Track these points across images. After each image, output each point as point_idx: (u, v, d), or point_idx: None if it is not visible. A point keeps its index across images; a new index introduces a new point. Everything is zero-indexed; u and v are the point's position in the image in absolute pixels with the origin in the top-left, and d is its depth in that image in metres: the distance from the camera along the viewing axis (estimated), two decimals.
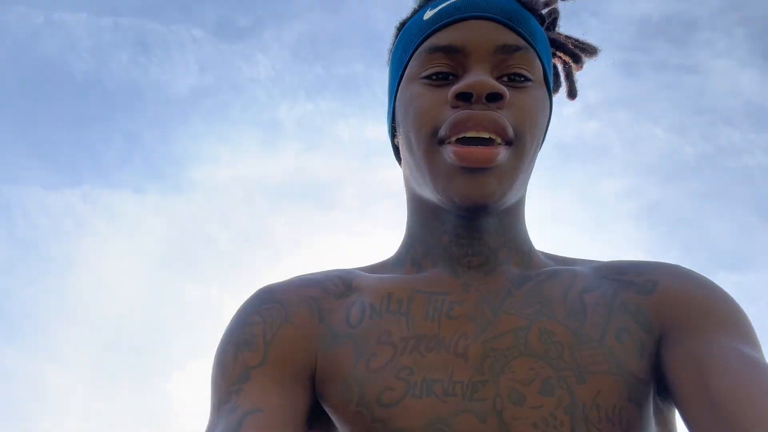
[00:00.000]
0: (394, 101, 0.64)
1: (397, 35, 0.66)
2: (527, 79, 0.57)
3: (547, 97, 0.61)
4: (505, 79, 0.57)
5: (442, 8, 0.59)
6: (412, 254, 0.64)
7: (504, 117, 0.54)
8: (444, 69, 0.57)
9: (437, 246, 0.61)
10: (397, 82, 0.63)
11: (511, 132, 0.54)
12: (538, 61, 0.59)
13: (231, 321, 0.61)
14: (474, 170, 0.54)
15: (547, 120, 0.62)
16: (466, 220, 0.59)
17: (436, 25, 0.58)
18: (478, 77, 0.54)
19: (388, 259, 0.68)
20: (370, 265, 0.68)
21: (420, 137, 0.57)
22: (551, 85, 0.63)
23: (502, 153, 0.54)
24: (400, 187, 0.69)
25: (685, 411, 0.49)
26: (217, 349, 0.59)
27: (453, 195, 0.55)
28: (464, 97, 0.54)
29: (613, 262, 0.62)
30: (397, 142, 0.65)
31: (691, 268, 0.59)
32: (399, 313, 0.57)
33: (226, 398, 0.54)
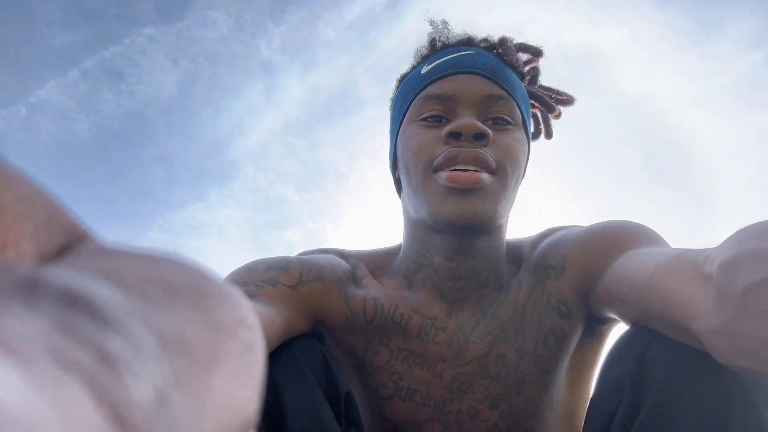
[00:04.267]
0: (395, 142, 0.74)
1: (397, 87, 0.78)
2: (508, 123, 0.68)
3: (526, 139, 0.71)
4: (490, 122, 0.67)
5: (437, 64, 0.70)
6: (405, 270, 0.73)
7: (488, 153, 0.64)
8: (438, 113, 0.68)
9: (428, 267, 0.70)
10: (397, 126, 0.73)
11: (493, 164, 0.64)
12: (517, 109, 0.70)
13: (264, 258, 0.69)
14: (463, 192, 0.63)
15: (526, 157, 0.72)
16: (457, 238, 0.67)
17: (432, 78, 0.70)
18: (467, 120, 0.64)
19: (383, 260, 0.77)
20: (369, 255, 0.78)
21: (417, 167, 0.66)
22: (530, 130, 0.73)
23: (486, 178, 0.64)
24: None
25: (620, 316, 0.62)
26: (244, 265, 0.67)
27: (446, 213, 0.64)
28: (455, 136, 0.64)
29: (543, 245, 0.73)
30: (398, 176, 0.75)
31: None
32: (399, 324, 0.70)
33: (245, 285, 0.62)
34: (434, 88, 0.69)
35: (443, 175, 0.63)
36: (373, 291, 0.72)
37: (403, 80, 0.76)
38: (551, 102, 0.77)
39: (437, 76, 0.69)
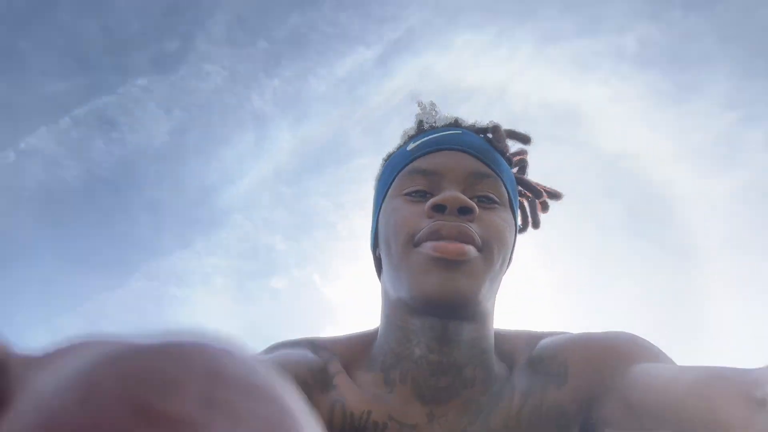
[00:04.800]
0: (378, 217, 0.70)
1: (383, 165, 0.76)
2: (495, 202, 0.65)
3: (513, 220, 0.67)
4: (475, 200, 0.64)
5: (424, 141, 0.69)
6: (382, 363, 0.66)
7: (473, 228, 0.60)
8: (422, 188, 0.65)
9: (408, 359, 0.64)
10: (380, 201, 0.70)
11: (479, 241, 0.61)
12: (504, 189, 0.67)
13: None
14: (448, 264, 0.58)
15: (513, 238, 0.67)
16: (438, 322, 0.61)
17: (418, 153, 0.68)
18: (452, 193, 0.61)
19: (359, 349, 0.70)
20: (345, 344, 0.71)
21: (398, 240, 0.62)
22: (517, 213, 0.70)
23: (472, 251, 0.60)
24: None
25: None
26: None
27: (426, 288, 0.58)
28: (439, 209, 0.61)
29: (539, 348, 0.68)
30: (378, 254, 0.70)
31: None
32: None
33: None
34: (420, 163, 0.67)
35: (428, 245, 0.60)
36: (345, 393, 0.64)
37: (389, 158, 0.74)
38: (539, 188, 0.75)
39: (423, 151, 0.67)
